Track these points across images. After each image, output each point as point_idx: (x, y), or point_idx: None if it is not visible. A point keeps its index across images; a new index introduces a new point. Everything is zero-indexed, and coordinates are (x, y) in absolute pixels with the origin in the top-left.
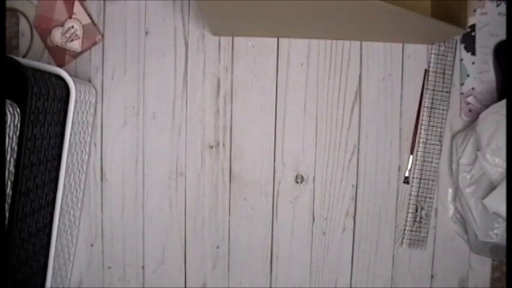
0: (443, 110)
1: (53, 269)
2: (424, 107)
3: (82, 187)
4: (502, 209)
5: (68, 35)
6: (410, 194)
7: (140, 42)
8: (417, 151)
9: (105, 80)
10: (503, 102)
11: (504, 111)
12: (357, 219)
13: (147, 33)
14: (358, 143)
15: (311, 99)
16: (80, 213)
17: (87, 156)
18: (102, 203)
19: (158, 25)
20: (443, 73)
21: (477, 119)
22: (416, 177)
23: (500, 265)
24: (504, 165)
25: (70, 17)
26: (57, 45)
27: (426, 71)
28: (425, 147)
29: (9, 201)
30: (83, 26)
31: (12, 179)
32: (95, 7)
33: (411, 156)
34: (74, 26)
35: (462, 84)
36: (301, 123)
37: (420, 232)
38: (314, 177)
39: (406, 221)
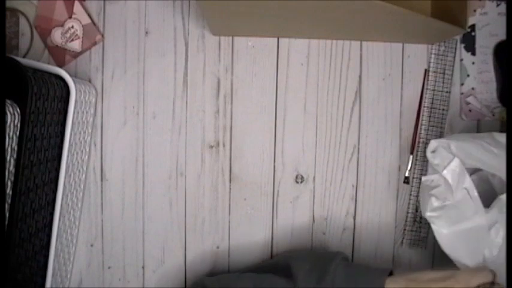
0: (443, 110)
1: (53, 269)
2: (424, 107)
3: (82, 187)
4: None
5: (68, 35)
6: (410, 194)
7: (140, 42)
8: (417, 151)
9: (105, 80)
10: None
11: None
12: (357, 219)
13: (147, 33)
14: (358, 143)
15: (311, 99)
16: (80, 213)
17: (87, 156)
18: (102, 203)
19: (158, 25)
20: (443, 73)
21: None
22: (416, 177)
23: None
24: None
25: (70, 17)
26: (57, 45)
27: (426, 71)
28: (425, 147)
29: (9, 201)
30: (83, 26)
31: (12, 179)
32: (95, 7)
33: (411, 156)
34: (74, 26)
35: (462, 84)
36: (301, 123)
37: (420, 232)
38: (314, 177)
39: (406, 221)
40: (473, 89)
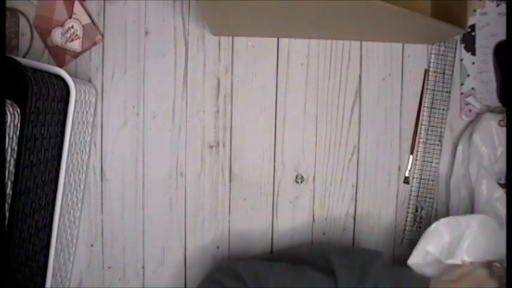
0: (443, 110)
1: (53, 269)
2: (424, 107)
3: (82, 187)
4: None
5: (68, 35)
6: (410, 194)
7: (140, 42)
8: (417, 151)
9: (105, 80)
10: None
11: None
12: (357, 219)
13: (147, 33)
14: (358, 143)
15: (311, 99)
16: (80, 213)
17: (87, 156)
18: (102, 203)
19: (158, 25)
20: (443, 73)
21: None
22: (416, 177)
23: None
24: None
25: (70, 17)
26: (57, 45)
27: (426, 71)
28: (425, 147)
29: (9, 201)
30: (83, 26)
31: (12, 179)
32: (95, 7)
33: (411, 156)
34: (74, 26)
35: (462, 84)
36: (301, 123)
37: (420, 232)
38: (314, 177)
39: (406, 221)
40: (473, 89)
